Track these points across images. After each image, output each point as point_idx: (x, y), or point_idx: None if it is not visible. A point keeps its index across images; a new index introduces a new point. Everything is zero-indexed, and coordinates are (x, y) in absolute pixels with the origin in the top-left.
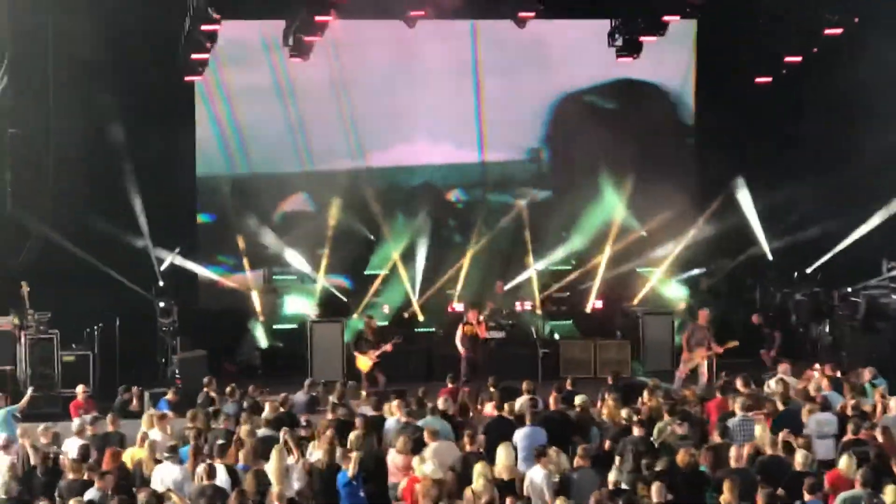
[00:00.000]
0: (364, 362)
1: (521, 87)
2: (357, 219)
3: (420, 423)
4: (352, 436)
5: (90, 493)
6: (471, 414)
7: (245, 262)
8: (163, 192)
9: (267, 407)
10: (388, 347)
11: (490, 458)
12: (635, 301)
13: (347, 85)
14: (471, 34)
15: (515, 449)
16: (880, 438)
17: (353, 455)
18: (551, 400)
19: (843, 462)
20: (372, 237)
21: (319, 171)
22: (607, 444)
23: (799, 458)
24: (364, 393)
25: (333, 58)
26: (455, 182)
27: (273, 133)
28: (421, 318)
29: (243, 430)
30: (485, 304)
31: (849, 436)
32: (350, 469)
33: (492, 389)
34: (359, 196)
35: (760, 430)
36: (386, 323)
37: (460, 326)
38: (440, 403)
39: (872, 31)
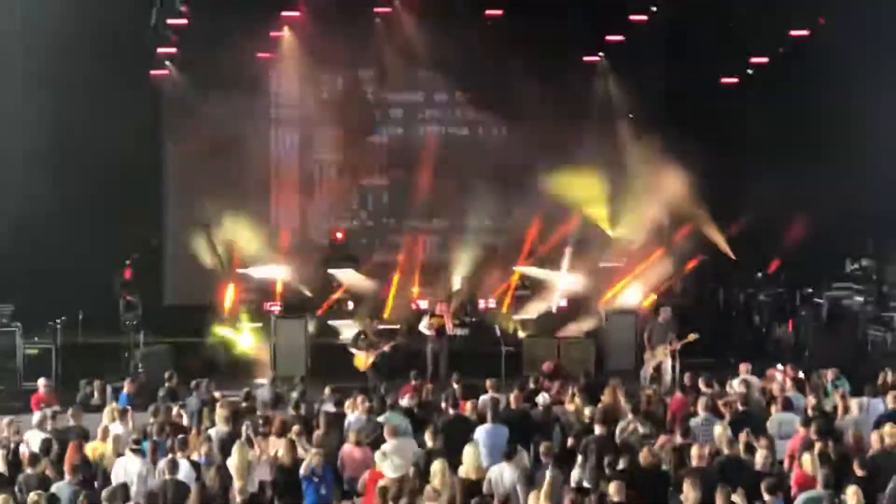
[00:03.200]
0: (361, 360)
1: None
2: None
3: (381, 419)
4: (315, 434)
5: (54, 487)
6: (432, 411)
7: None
8: (128, 183)
9: (228, 402)
10: (386, 348)
11: (449, 456)
12: (601, 299)
13: None
14: None
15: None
16: (850, 438)
17: (312, 451)
18: (512, 398)
19: (807, 462)
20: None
21: None
22: (570, 442)
23: (759, 458)
24: (327, 389)
25: None
26: None
27: None
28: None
29: (205, 424)
30: (451, 301)
31: (810, 436)
32: (303, 466)
33: (454, 386)
34: None
35: (721, 430)
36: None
37: (426, 317)
38: (405, 401)
39: (838, 32)
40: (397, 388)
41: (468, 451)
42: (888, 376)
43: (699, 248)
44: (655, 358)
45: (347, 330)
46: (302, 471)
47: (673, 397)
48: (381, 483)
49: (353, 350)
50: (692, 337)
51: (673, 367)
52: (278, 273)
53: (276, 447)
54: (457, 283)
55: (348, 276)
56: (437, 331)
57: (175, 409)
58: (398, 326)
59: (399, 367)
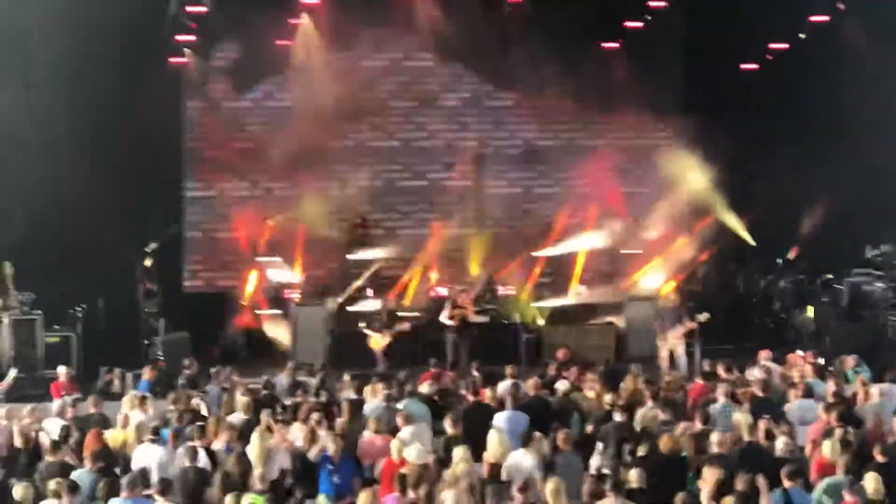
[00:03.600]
0: (376, 341)
1: None
2: None
3: (399, 405)
4: (338, 421)
5: (75, 475)
6: (452, 398)
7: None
8: (148, 171)
9: (248, 390)
10: (405, 327)
11: (470, 443)
12: (621, 286)
13: None
14: None
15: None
16: (870, 424)
17: (328, 437)
18: (531, 385)
19: (827, 448)
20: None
21: None
22: (590, 428)
23: (780, 444)
24: (346, 377)
25: None
26: None
27: None
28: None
29: (225, 411)
30: (471, 289)
31: (831, 423)
32: (314, 451)
33: (474, 374)
34: None
35: (740, 417)
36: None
37: (447, 306)
38: (425, 388)
39: (859, 17)
40: (416, 376)
41: (492, 438)
42: None
43: (719, 236)
44: (668, 343)
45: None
46: (312, 454)
47: (693, 384)
48: (401, 470)
49: (368, 331)
50: (704, 317)
51: (690, 353)
52: (292, 276)
53: (297, 434)
54: (477, 270)
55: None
56: (459, 321)
57: (195, 399)
58: (415, 312)
59: (418, 353)
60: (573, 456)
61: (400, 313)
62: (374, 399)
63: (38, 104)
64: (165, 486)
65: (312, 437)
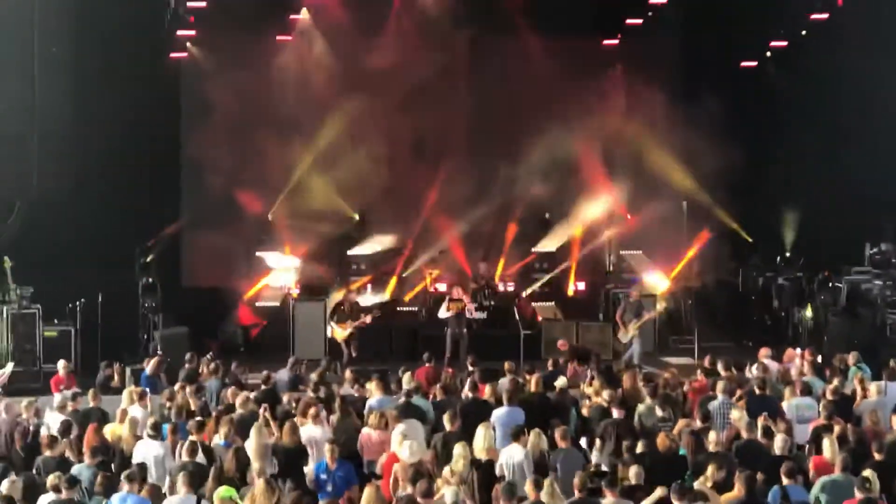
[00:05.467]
0: (339, 333)
1: None
2: None
3: (401, 401)
4: (331, 419)
5: (74, 469)
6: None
7: None
8: (147, 165)
9: (248, 385)
10: (367, 320)
11: (468, 439)
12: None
13: None
14: None
15: (493, 430)
16: (868, 422)
17: (325, 448)
18: (532, 382)
19: (826, 446)
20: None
21: None
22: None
23: (778, 442)
24: (347, 372)
25: None
26: None
27: None
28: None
29: (225, 407)
30: (468, 284)
31: (830, 421)
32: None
33: (471, 369)
34: None
35: (739, 414)
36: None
37: (445, 301)
38: (405, 382)
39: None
40: (413, 371)
41: (480, 432)
42: None
43: (717, 233)
44: (628, 334)
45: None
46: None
47: (693, 380)
48: (396, 466)
49: (331, 323)
50: (660, 308)
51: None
52: (293, 263)
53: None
54: (475, 265)
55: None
56: (456, 315)
57: (187, 391)
58: (379, 301)
59: (416, 349)
60: (574, 452)
61: (364, 305)
62: (374, 395)
63: (39, 98)
64: (132, 475)
65: (293, 432)
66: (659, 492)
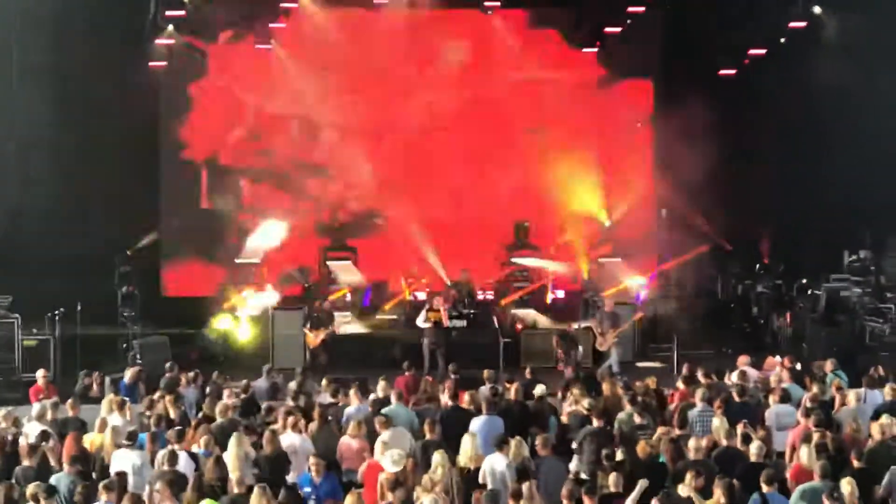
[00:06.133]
0: (310, 338)
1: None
2: None
3: (384, 410)
4: (310, 427)
5: (53, 479)
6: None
7: None
8: (126, 174)
9: (226, 394)
10: (339, 328)
11: (448, 447)
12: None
13: None
14: None
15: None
16: (848, 429)
17: (311, 461)
18: (512, 390)
19: (805, 453)
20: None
21: None
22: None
23: (753, 448)
24: (324, 380)
25: None
26: None
27: None
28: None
29: (203, 416)
30: (448, 292)
31: (809, 428)
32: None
33: (451, 378)
34: None
35: (718, 422)
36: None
37: (424, 310)
38: (379, 391)
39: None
40: (392, 380)
41: (465, 442)
42: (879, 370)
43: (696, 242)
44: (606, 343)
45: (345, 321)
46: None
47: (674, 389)
48: (381, 475)
49: (305, 329)
50: (638, 316)
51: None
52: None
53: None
54: (455, 274)
55: (345, 271)
56: (434, 324)
57: (167, 399)
58: (394, 315)
59: (395, 358)
60: (554, 460)
61: (336, 314)
62: (352, 404)
63: (19, 106)
64: (111, 484)
65: (273, 440)
66: (643, 483)
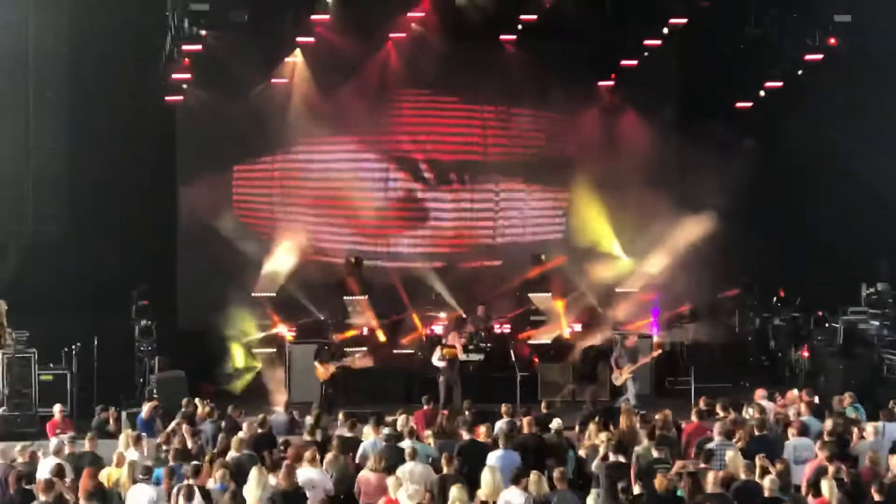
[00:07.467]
0: (320, 371)
1: None
2: None
3: (402, 444)
4: (327, 457)
5: None
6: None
7: None
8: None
9: (245, 427)
10: (351, 362)
11: (465, 481)
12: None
13: None
14: None
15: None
16: (867, 462)
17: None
18: (525, 423)
19: (823, 487)
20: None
21: None
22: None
23: (767, 483)
24: (342, 414)
25: None
26: None
27: None
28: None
29: (221, 450)
30: (464, 327)
31: (827, 461)
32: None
33: (467, 412)
34: None
35: (732, 454)
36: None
37: (439, 348)
38: (399, 424)
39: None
40: (410, 414)
41: (485, 475)
42: None
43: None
44: (622, 377)
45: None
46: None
47: (690, 422)
48: None
49: (315, 362)
50: (656, 352)
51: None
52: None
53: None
54: (471, 308)
55: (363, 308)
56: (450, 361)
57: (184, 429)
58: (411, 350)
59: (413, 392)
60: (571, 494)
61: (347, 349)
62: (369, 437)
63: (33, 141)
64: None
65: (290, 475)
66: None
